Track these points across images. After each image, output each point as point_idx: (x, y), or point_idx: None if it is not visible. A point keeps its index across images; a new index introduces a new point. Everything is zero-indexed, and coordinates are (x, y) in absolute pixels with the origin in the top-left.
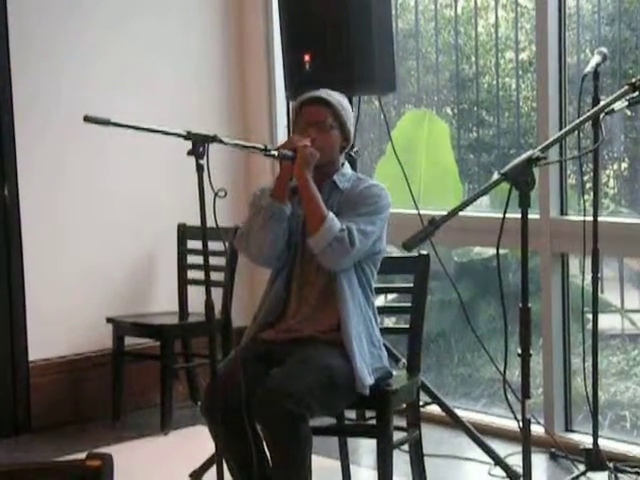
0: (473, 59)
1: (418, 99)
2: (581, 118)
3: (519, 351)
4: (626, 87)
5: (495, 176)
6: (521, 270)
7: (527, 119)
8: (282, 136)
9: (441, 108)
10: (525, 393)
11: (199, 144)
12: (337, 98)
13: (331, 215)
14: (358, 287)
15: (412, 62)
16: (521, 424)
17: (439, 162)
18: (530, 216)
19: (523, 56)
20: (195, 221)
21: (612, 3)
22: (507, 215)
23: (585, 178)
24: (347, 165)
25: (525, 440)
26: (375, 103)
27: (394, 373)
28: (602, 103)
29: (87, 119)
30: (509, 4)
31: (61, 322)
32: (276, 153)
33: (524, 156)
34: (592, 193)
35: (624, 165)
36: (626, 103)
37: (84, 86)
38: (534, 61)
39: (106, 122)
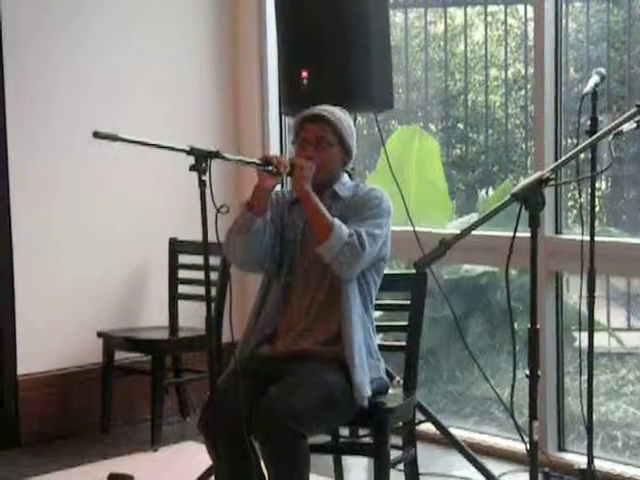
0: (458, 76)
1: (404, 115)
2: (591, 138)
3: (526, 372)
4: (635, 109)
5: (503, 196)
6: (530, 291)
7: (512, 136)
8: (275, 151)
9: (427, 124)
10: (532, 415)
11: (202, 160)
12: (337, 115)
13: (338, 222)
14: (359, 297)
15: (398, 78)
16: (528, 446)
17: (429, 179)
18: (524, 234)
19: (508, 74)
20: (186, 235)
21: (597, 23)
22: (503, 234)
23: (568, 195)
24: (345, 175)
25: (533, 464)
26: (360, 118)
27: (390, 390)
28: (611, 124)
29: (96, 135)
30: (494, 22)
31: (51, 336)
32: (275, 169)
33: (534, 177)
34: (587, 213)
35: (608, 183)
36: (634, 125)
37: (78, 99)
38: (519, 79)
39: (114, 137)
